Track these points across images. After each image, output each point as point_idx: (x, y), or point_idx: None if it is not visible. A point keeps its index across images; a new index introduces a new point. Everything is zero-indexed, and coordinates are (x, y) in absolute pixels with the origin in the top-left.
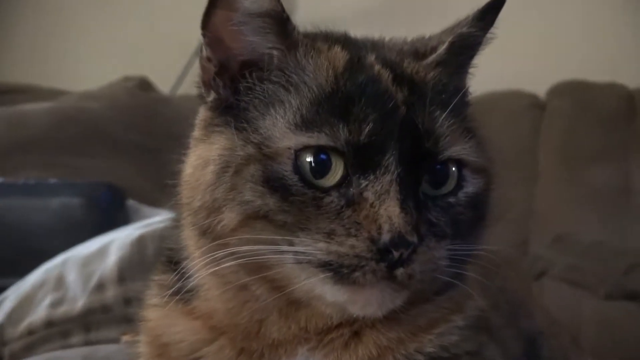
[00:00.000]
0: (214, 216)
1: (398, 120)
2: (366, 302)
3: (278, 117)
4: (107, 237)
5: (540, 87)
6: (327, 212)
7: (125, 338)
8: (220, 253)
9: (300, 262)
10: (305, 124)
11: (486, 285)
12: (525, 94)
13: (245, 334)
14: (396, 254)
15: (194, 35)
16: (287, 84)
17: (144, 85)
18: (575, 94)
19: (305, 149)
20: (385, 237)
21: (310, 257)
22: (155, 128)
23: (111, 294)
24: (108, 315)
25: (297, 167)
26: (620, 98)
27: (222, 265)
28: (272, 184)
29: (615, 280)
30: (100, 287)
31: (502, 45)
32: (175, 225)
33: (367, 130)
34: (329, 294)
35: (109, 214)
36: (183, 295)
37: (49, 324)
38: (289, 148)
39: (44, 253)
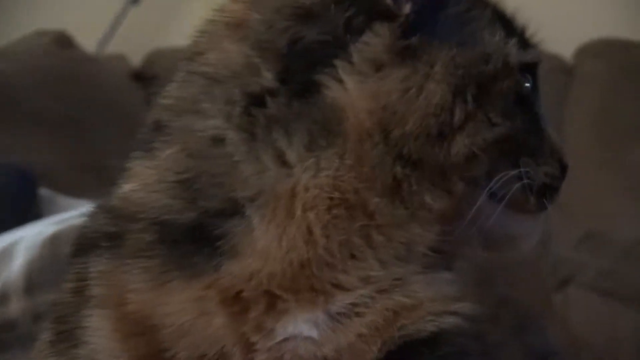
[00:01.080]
0: (440, 144)
1: None
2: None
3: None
4: (12, 235)
5: (565, 47)
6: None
7: None
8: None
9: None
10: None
11: (484, 292)
12: (547, 55)
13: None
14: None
15: None
16: None
17: (63, 41)
18: (611, 56)
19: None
20: (567, 159)
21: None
22: (75, 94)
23: (16, 307)
24: (12, 334)
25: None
26: None
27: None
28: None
29: None
30: (2, 299)
31: None
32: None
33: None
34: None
35: (15, 205)
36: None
37: None
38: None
39: None
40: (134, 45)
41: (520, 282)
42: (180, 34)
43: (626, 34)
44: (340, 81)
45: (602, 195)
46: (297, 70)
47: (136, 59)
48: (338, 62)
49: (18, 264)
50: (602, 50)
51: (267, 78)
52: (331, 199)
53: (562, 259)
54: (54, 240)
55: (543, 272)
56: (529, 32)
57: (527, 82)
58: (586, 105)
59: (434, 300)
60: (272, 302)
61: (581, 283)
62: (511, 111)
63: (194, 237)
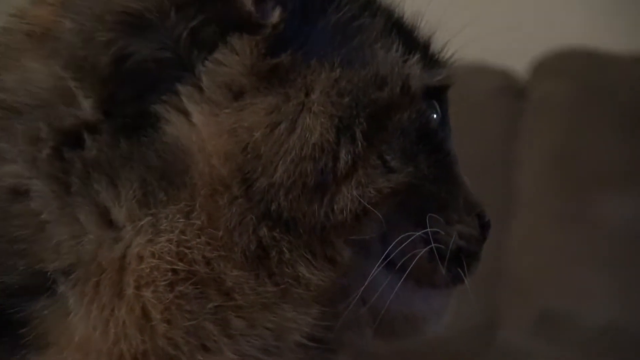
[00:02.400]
0: (320, 198)
1: None
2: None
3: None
4: None
5: (516, 61)
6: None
7: None
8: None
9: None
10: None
11: None
12: (493, 70)
13: None
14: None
15: None
16: None
17: None
18: (576, 72)
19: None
20: (487, 215)
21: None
22: None
23: None
24: None
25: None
26: None
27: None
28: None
29: None
30: None
31: None
32: None
33: None
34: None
35: None
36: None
37: None
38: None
39: None
40: None
41: None
42: None
43: (594, 41)
44: (184, 113)
45: (564, 263)
46: (126, 99)
47: None
48: (181, 88)
49: None
50: (564, 65)
51: (86, 108)
52: (174, 271)
53: (511, 348)
54: None
55: None
56: (436, 45)
57: (434, 113)
58: (544, 138)
59: None
60: None
61: None
62: (414, 152)
63: None
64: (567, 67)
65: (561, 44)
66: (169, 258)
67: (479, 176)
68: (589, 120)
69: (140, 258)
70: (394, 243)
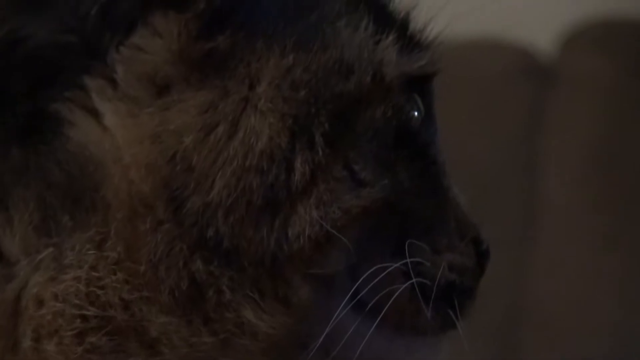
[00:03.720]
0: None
1: None
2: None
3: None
4: None
5: (538, 35)
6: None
7: None
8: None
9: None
10: None
11: None
12: (510, 47)
13: None
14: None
15: None
16: None
17: None
18: (617, 47)
19: None
20: (486, 241)
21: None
22: None
23: None
24: None
25: None
26: None
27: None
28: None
29: None
30: None
31: None
32: None
33: None
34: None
35: None
36: None
37: None
38: None
39: None
40: None
41: None
42: None
43: (638, 8)
44: (94, 113)
45: (603, 296)
46: (19, 96)
47: None
48: (90, 81)
49: None
50: (601, 38)
51: None
52: (84, 318)
53: None
54: None
55: None
56: (417, 22)
57: (416, 110)
58: (577, 132)
59: None
60: None
61: None
62: (390, 160)
63: None
64: (606, 41)
65: (595, 11)
66: (77, 301)
67: (493, 182)
68: (635, 108)
69: (40, 301)
70: (363, 277)
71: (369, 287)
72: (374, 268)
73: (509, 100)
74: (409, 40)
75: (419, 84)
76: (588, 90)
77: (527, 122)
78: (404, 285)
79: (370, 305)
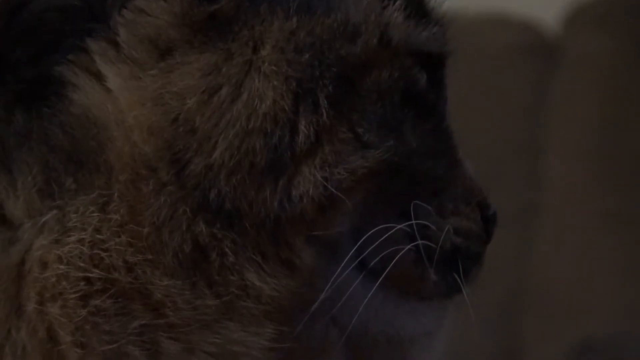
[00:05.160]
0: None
1: None
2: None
3: None
4: None
5: (544, 11)
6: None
7: None
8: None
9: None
10: None
11: None
12: (514, 22)
13: None
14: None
15: None
16: None
17: None
18: (627, 24)
19: None
20: (493, 206)
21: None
22: None
23: None
24: None
25: None
26: None
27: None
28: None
29: None
30: None
31: None
32: None
33: None
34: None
35: None
36: None
37: None
38: None
39: None
40: None
41: None
42: None
43: None
44: (97, 76)
45: (608, 275)
46: (22, 60)
47: None
48: (93, 44)
49: None
50: (607, 14)
51: None
52: (88, 280)
53: None
54: None
55: None
56: None
57: (421, 76)
58: (581, 110)
59: None
60: None
61: None
62: (396, 120)
63: None
64: (612, 16)
65: None
66: (81, 264)
67: (498, 161)
68: (638, 85)
69: (44, 264)
70: (366, 236)
71: (372, 247)
72: (378, 228)
73: (513, 76)
74: (417, 8)
75: (432, 63)
76: (592, 67)
77: (530, 99)
78: (408, 247)
79: (373, 265)
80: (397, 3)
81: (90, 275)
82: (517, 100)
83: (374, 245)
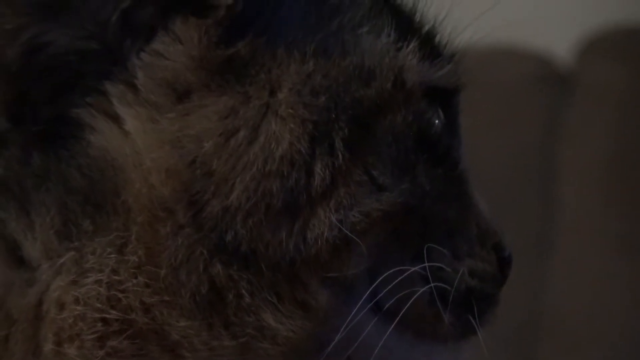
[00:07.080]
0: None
1: None
2: None
3: None
4: None
5: (556, 42)
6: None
7: None
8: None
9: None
10: None
11: None
12: (527, 54)
13: None
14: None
15: None
16: None
17: None
18: (637, 54)
19: None
20: (508, 248)
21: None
22: None
23: None
24: None
25: None
26: None
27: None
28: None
29: None
30: None
31: None
32: None
33: None
34: None
35: None
36: None
37: None
38: None
39: None
40: None
41: None
42: None
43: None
44: (115, 119)
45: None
46: (41, 101)
47: None
48: (111, 87)
49: None
50: (619, 46)
51: None
52: (105, 321)
53: None
54: None
55: None
56: (442, 32)
57: (437, 118)
58: (595, 138)
59: None
60: None
61: None
62: (410, 164)
63: None
64: (626, 47)
65: (613, 19)
66: (98, 304)
67: (511, 189)
68: None
69: (61, 305)
70: (381, 278)
71: (387, 289)
72: (392, 270)
73: (527, 107)
74: (430, 49)
75: (444, 98)
76: (605, 97)
77: (544, 129)
78: (423, 289)
79: (388, 307)
80: (412, 46)
81: (108, 316)
82: (530, 131)
83: (389, 287)
